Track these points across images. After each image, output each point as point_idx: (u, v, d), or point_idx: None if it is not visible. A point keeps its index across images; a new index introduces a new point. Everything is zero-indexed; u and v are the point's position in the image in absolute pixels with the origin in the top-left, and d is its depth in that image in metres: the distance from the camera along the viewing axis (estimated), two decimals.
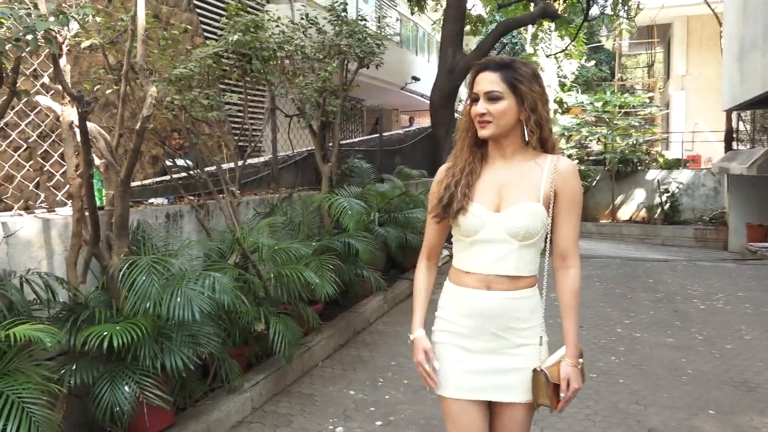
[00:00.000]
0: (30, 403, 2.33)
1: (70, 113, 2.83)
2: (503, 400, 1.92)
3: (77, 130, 2.79)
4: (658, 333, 5.65)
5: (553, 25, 17.13)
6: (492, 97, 1.83)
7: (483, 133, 1.87)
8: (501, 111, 1.83)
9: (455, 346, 1.96)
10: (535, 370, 1.90)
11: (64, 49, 3.05)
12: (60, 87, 2.74)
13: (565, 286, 1.98)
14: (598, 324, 5.97)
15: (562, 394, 1.89)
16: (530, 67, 1.89)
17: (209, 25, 8.56)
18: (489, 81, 1.83)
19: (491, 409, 1.98)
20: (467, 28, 15.27)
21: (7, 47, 2.18)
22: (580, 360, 1.97)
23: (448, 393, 1.97)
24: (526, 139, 1.88)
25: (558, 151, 1.95)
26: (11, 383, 2.36)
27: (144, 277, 2.96)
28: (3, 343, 2.31)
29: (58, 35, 2.72)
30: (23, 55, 3.36)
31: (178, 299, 2.92)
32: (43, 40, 2.22)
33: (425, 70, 16.94)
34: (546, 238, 1.91)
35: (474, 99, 1.88)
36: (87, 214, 3.01)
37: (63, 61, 3.03)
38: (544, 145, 1.91)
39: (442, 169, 1.99)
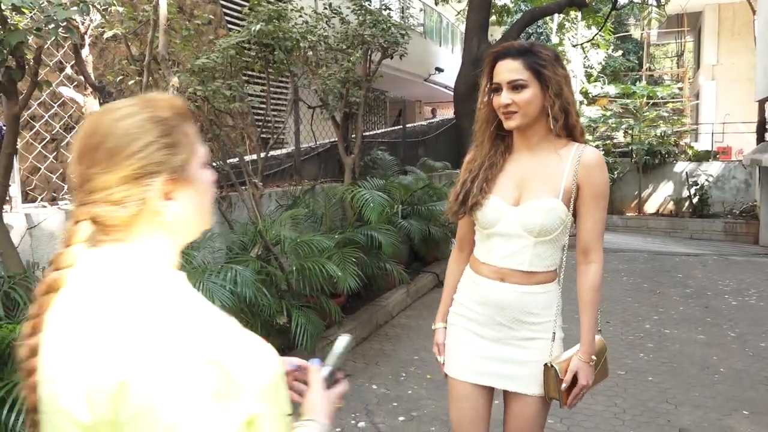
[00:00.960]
0: None
1: (92, 104, 2.80)
2: (510, 389, 1.89)
3: None
4: (689, 329, 5.51)
5: (579, 14, 16.81)
6: (516, 86, 1.74)
7: (510, 124, 1.78)
8: (527, 100, 1.74)
9: (467, 330, 1.95)
10: (545, 365, 1.86)
11: (87, 39, 3.03)
12: (82, 78, 2.71)
13: (585, 280, 1.90)
14: (626, 320, 5.83)
15: (563, 386, 1.83)
16: (550, 49, 1.81)
17: (232, 16, 8.54)
18: (511, 69, 1.74)
19: (504, 400, 1.96)
20: (492, 18, 15.08)
21: (30, 38, 2.15)
22: (594, 357, 1.91)
23: (454, 373, 1.97)
24: (551, 126, 1.79)
25: (584, 139, 1.86)
26: None
27: None
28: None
29: (80, 25, 2.69)
30: (46, 46, 3.35)
31: (200, 293, 2.88)
32: (63, 30, 2.19)
33: (449, 61, 16.77)
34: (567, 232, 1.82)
35: (495, 89, 1.79)
36: None
37: (85, 52, 3.01)
38: (572, 131, 1.82)
39: (463, 165, 1.95)
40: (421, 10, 15.99)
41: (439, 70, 15.59)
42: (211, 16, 6.31)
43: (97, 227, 0.88)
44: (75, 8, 2.20)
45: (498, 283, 1.86)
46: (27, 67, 2.29)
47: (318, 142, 6.30)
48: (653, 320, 5.81)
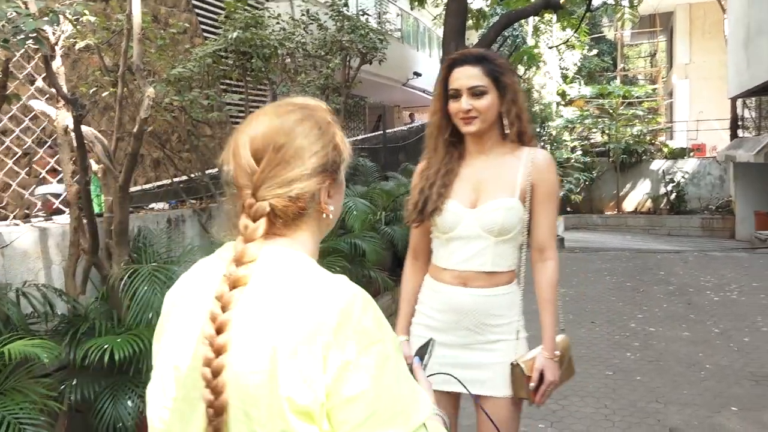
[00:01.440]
0: (27, 424, 2.22)
1: (64, 117, 2.71)
2: (480, 393, 1.89)
3: (73, 135, 2.67)
4: (673, 327, 5.54)
5: (554, 17, 16.95)
6: (477, 93, 1.79)
7: (469, 129, 1.82)
8: (487, 106, 1.79)
9: None
10: (511, 364, 1.87)
11: (58, 50, 2.94)
12: (54, 90, 2.63)
13: (543, 278, 1.93)
14: (611, 319, 5.85)
15: (531, 384, 1.85)
16: (504, 58, 1.92)
17: (208, 24, 8.43)
18: (471, 76, 1.79)
19: (475, 406, 1.96)
20: (469, 22, 15.12)
21: None
22: (558, 353, 1.92)
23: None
24: (506, 131, 1.86)
25: (535, 144, 1.91)
26: (7, 403, 2.26)
27: (146, 287, 2.84)
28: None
29: (50, 36, 2.60)
30: (17, 58, 3.25)
31: None
32: (33, 42, 2.11)
33: (427, 65, 16.79)
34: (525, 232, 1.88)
35: (453, 95, 1.82)
36: (85, 222, 2.90)
37: (57, 63, 2.92)
38: (522, 137, 1.88)
39: (416, 174, 1.97)
40: (398, 15, 16.00)
41: (417, 74, 15.61)
42: (187, 25, 6.22)
43: (268, 222, 0.93)
44: (45, 18, 2.12)
45: (460, 289, 1.86)
46: None
47: None
48: (638, 319, 5.83)
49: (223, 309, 0.89)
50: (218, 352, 0.87)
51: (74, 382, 2.79)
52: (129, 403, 2.80)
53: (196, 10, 8.75)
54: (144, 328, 2.82)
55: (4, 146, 3.42)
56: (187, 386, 0.93)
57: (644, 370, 4.51)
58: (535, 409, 3.89)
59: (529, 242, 1.91)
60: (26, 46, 2.09)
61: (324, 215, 1.00)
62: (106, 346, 2.69)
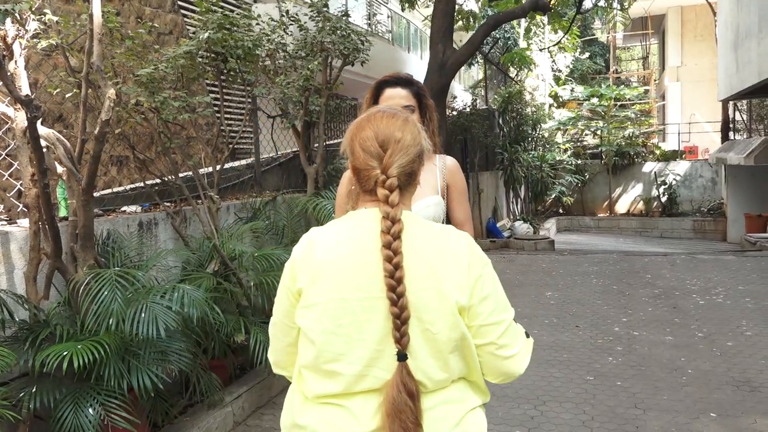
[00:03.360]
0: None
1: (23, 119, 2.65)
2: None
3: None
4: (657, 331, 5.49)
5: (546, 19, 16.93)
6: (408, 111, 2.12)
7: None
8: None
9: None
10: None
11: (20, 50, 2.88)
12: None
13: None
14: (596, 323, 5.80)
15: None
16: (421, 82, 2.29)
17: (194, 25, 8.36)
18: (403, 96, 2.16)
19: None
20: (459, 23, 15.08)
21: None
22: None
23: None
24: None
25: (440, 151, 2.34)
26: None
27: (107, 292, 2.78)
28: None
29: (7, 36, 2.54)
30: None
31: (143, 315, 2.74)
32: None
33: (418, 67, 16.73)
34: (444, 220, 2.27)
35: None
36: (47, 225, 2.83)
37: (21, 63, 2.86)
38: (434, 148, 2.20)
39: (344, 181, 2.17)
40: (388, 16, 15.95)
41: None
42: (155, 25, 6.16)
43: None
44: None
45: None
46: None
47: (279, 152, 6.17)
48: (622, 323, 5.78)
49: (395, 252, 1.27)
50: (398, 281, 1.26)
51: (33, 390, 2.72)
52: (90, 410, 2.74)
53: (182, 11, 8.69)
54: (105, 335, 2.76)
55: None
56: (356, 312, 1.30)
57: (626, 375, 4.46)
58: (511, 414, 3.86)
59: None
60: None
61: (417, 184, 1.42)
62: (65, 353, 2.62)
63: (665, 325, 5.64)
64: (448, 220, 2.31)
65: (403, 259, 1.28)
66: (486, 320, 1.34)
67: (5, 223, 3.24)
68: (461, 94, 18.58)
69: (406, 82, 2.18)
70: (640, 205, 17.81)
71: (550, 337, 5.37)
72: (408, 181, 1.37)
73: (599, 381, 4.36)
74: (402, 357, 1.27)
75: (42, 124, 4.45)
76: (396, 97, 2.14)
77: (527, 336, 1.49)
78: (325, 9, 5.38)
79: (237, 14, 4.41)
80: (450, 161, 2.28)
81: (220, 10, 3.97)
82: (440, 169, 2.25)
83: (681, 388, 4.18)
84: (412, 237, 1.32)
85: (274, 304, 1.46)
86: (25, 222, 3.22)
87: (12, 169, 3.19)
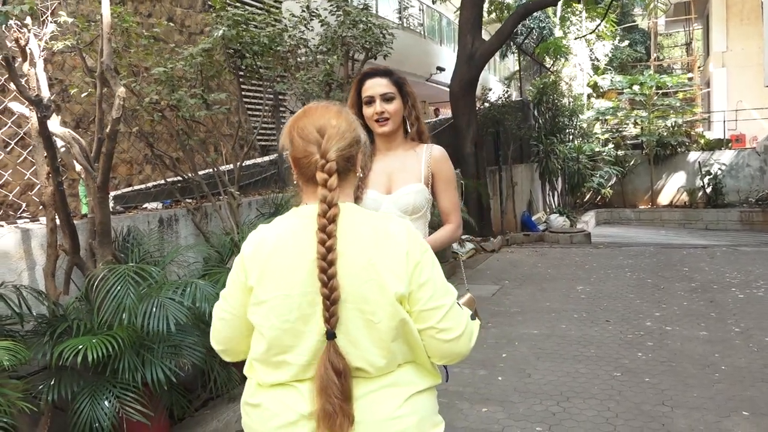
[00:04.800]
0: None
1: (34, 118, 2.71)
2: None
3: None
4: (691, 326, 5.30)
5: (581, 6, 16.55)
6: (387, 98, 2.23)
7: (384, 129, 2.25)
8: (395, 109, 2.25)
9: None
10: None
11: (37, 52, 2.95)
12: (33, 91, 2.62)
13: (439, 230, 2.38)
14: (627, 317, 5.64)
15: None
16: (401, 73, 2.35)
17: (210, 24, 8.46)
18: (381, 84, 2.24)
19: None
20: (492, 14, 14.86)
21: None
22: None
23: None
24: (408, 131, 2.32)
25: (429, 140, 2.37)
26: None
27: (120, 287, 2.83)
28: None
29: (20, 36, 2.60)
30: None
31: (154, 309, 2.78)
32: None
33: (451, 60, 16.57)
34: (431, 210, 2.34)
35: (368, 102, 2.25)
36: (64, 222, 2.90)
37: (39, 65, 2.93)
38: (421, 136, 2.34)
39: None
40: (420, 9, 15.84)
41: (440, 69, 15.42)
42: (172, 24, 6.24)
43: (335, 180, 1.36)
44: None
45: None
46: None
47: None
48: (655, 317, 5.61)
49: (328, 236, 1.30)
50: (330, 263, 1.29)
51: (52, 382, 2.79)
52: (106, 403, 2.79)
53: (213, 11, 8.78)
54: (119, 329, 2.81)
55: None
56: (301, 306, 1.34)
57: (655, 371, 4.32)
58: (533, 410, 3.78)
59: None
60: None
61: (357, 174, 1.46)
62: (80, 347, 2.68)
63: (700, 320, 5.45)
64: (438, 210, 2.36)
65: (340, 248, 1.32)
66: (425, 305, 1.37)
67: (27, 220, 3.33)
68: (496, 86, 18.33)
69: (384, 72, 2.27)
70: (684, 197, 17.24)
71: (578, 332, 5.25)
72: (346, 166, 1.40)
73: (626, 377, 4.23)
74: (331, 335, 1.32)
75: (78, 126, 4.60)
76: (375, 86, 2.22)
77: (474, 318, 1.53)
78: (344, 3, 5.35)
79: (258, 11, 4.42)
80: (437, 150, 2.32)
81: (237, 6, 3.98)
82: (425, 158, 2.29)
83: (712, 385, 4.02)
84: (350, 227, 1.35)
85: (222, 297, 1.48)
86: (45, 220, 3.31)
87: (34, 168, 3.28)
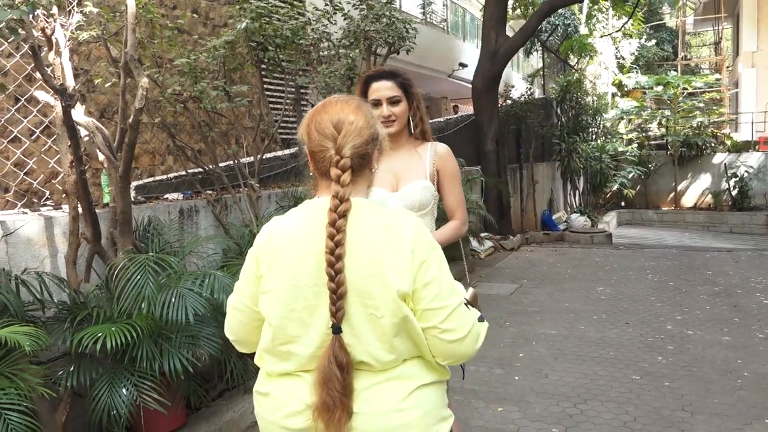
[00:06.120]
0: (9, 410, 2.25)
1: (59, 107, 2.73)
2: None
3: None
4: (713, 330, 5.21)
5: (608, 3, 16.31)
6: (394, 101, 2.28)
7: (390, 130, 2.27)
8: (402, 111, 2.29)
9: None
10: None
11: (63, 41, 2.97)
12: (57, 80, 2.64)
13: (445, 226, 2.41)
14: (647, 320, 5.56)
15: None
16: (406, 73, 2.38)
17: (233, 16, 8.48)
18: (388, 88, 2.27)
19: None
20: (517, 11, 14.73)
21: None
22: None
23: None
24: (412, 131, 2.37)
25: (432, 138, 2.43)
26: None
27: (140, 276, 2.85)
28: None
29: (46, 27, 2.62)
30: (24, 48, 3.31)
31: (173, 299, 2.80)
32: (9, 32, 2.12)
33: (474, 56, 16.44)
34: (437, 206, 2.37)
35: (374, 104, 2.27)
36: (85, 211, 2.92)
37: (65, 54, 2.95)
38: (424, 135, 2.40)
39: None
40: (444, 4, 15.73)
41: (463, 65, 15.32)
42: (194, 14, 6.27)
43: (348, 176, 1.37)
44: (24, 8, 2.12)
45: None
46: None
47: None
48: (676, 321, 5.52)
49: (337, 230, 1.32)
50: (338, 258, 1.31)
51: (71, 369, 2.82)
52: (124, 390, 2.82)
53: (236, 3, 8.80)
54: (137, 318, 2.83)
55: (12, 136, 3.51)
56: (307, 297, 1.36)
57: (675, 375, 4.25)
58: (549, 411, 3.74)
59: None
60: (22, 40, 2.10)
61: (372, 170, 1.47)
62: (99, 334, 2.71)
63: (723, 325, 5.35)
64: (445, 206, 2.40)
65: (348, 243, 1.33)
66: (429, 305, 1.37)
67: (51, 208, 3.37)
68: (519, 83, 18.17)
69: (390, 74, 2.30)
70: (708, 199, 16.94)
71: (597, 334, 5.19)
72: (361, 163, 1.41)
73: (646, 381, 4.17)
74: (336, 330, 1.33)
75: (102, 116, 4.64)
76: (382, 88, 2.26)
77: (482, 320, 1.50)
78: None
79: (281, 3, 4.41)
80: (441, 147, 2.38)
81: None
82: (430, 155, 2.36)
83: (734, 392, 3.95)
84: (358, 223, 1.36)
85: (236, 288, 1.51)
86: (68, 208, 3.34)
87: (58, 157, 3.31)
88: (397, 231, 1.36)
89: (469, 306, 1.46)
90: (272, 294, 1.39)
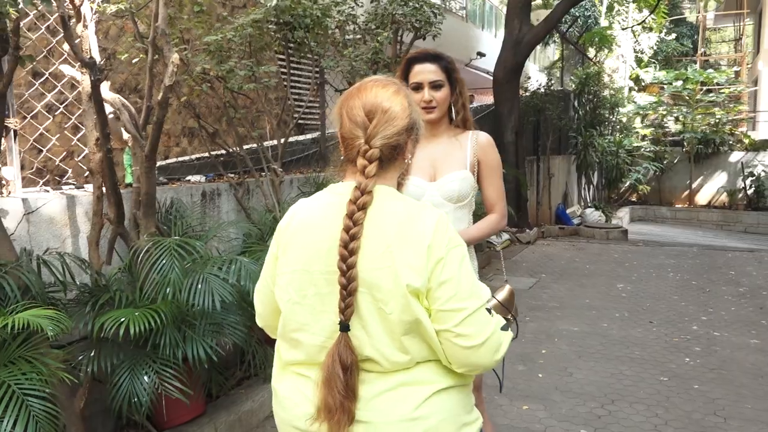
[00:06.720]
0: (30, 396, 2.16)
1: (87, 81, 2.62)
2: None
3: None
4: (741, 332, 5.08)
5: None
6: (436, 86, 2.18)
7: (430, 117, 2.20)
8: (444, 97, 2.20)
9: None
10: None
11: (90, 14, 2.86)
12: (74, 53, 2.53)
13: (483, 220, 2.32)
14: (672, 320, 5.43)
15: None
16: (450, 57, 2.27)
17: None
18: (431, 71, 2.17)
19: None
20: (538, 1, 14.47)
21: (6, 7, 1.97)
22: (498, 299, 1.97)
23: None
24: (453, 118, 2.27)
25: (474, 127, 2.31)
26: (14, 372, 2.20)
27: (165, 261, 2.75)
28: (5, 331, 2.14)
29: None
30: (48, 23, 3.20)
31: (200, 286, 2.69)
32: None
33: (492, 45, 16.24)
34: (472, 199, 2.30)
35: (415, 87, 2.18)
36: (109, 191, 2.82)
37: (91, 27, 2.84)
38: (466, 123, 2.29)
39: None
40: None
41: (480, 54, 15.10)
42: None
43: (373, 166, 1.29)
44: None
45: None
46: (7, 39, 2.11)
47: None
48: (701, 321, 5.39)
49: (354, 223, 1.25)
50: (351, 252, 1.24)
51: (92, 354, 2.73)
52: (145, 378, 2.73)
53: None
54: (162, 303, 2.73)
55: (34, 112, 3.40)
56: (318, 284, 1.30)
57: (704, 378, 4.13)
58: (576, 411, 3.63)
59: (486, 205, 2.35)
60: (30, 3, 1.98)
61: (406, 161, 1.39)
62: (122, 319, 2.61)
63: (750, 327, 5.22)
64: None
65: (364, 232, 1.26)
66: (443, 306, 1.27)
67: (73, 187, 3.27)
68: (536, 75, 17.93)
69: (434, 57, 2.20)
70: (723, 197, 16.73)
71: (621, 332, 5.07)
72: (392, 154, 1.33)
73: (674, 383, 4.06)
74: (344, 327, 1.26)
75: (119, 94, 4.53)
76: (424, 72, 2.16)
77: (505, 329, 1.38)
78: None
79: None
80: (483, 136, 2.28)
81: None
82: (471, 145, 2.25)
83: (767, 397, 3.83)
84: (378, 212, 1.29)
85: (262, 272, 1.48)
86: (91, 187, 3.24)
87: (81, 134, 3.21)
88: (415, 224, 1.28)
89: (492, 312, 1.35)
90: (285, 278, 1.35)
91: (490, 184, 2.31)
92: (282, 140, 4.29)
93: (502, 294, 1.98)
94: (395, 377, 1.29)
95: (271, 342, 3.86)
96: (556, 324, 5.29)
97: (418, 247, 1.26)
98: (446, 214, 1.99)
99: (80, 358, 2.72)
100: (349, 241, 1.25)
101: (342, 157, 1.39)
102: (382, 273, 1.25)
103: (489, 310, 1.34)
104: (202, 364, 2.78)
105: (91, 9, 2.89)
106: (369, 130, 1.29)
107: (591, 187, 15.57)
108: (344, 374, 1.24)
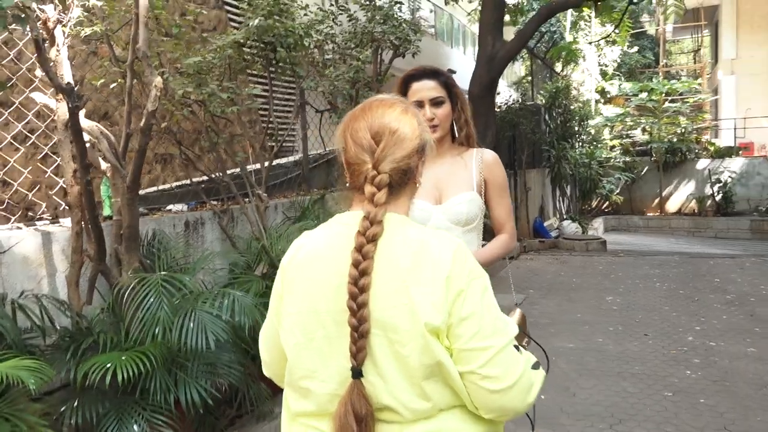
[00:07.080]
0: None
1: (65, 111, 2.43)
2: None
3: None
4: (736, 341, 5.04)
5: (593, 12, 16.33)
6: (437, 102, 2.05)
7: (434, 136, 2.01)
8: (446, 113, 2.08)
9: None
10: None
11: (63, 37, 2.67)
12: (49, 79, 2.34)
13: (495, 239, 2.19)
14: (666, 331, 5.37)
15: None
16: (448, 73, 2.18)
17: (238, 22, 8.19)
18: (431, 88, 2.05)
19: None
20: (506, 18, 14.61)
21: None
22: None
23: None
24: (456, 136, 2.14)
25: (478, 145, 2.19)
26: None
27: (152, 299, 2.55)
28: None
29: (48, 19, 2.33)
30: (20, 46, 3.00)
31: (191, 324, 2.50)
32: (14, 20, 1.83)
33: (461, 62, 16.37)
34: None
35: (415, 106, 2.04)
36: (89, 225, 2.62)
37: (63, 51, 2.65)
38: (469, 140, 2.16)
39: None
40: (431, 11, 15.60)
41: (451, 71, 15.16)
42: (204, 12, 5.97)
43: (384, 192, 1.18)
44: None
45: None
46: None
47: (328, 149, 5.92)
48: (696, 331, 5.34)
49: (364, 257, 1.12)
50: (362, 289, 1.11)
51: (75, 404, 2.51)
52: (135, 427, 2.51)
53: (226, 7, 8.52)
54: (150, 345, 2.53)
55: (4, 143, 3.18)
56: (327, 326, 1.17)
57: (708, 391, 4.05)
58: None
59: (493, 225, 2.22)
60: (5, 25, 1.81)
61: (417, 184, 1.28)
62: (108, 365, 2.40)
63: (744, 335, 5.19)
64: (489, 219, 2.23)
65: (375, 267, 1.13)
66: (466, 344, 1.14)
67: (48, 222, 3.05)
68: (504, 90, 18.10)
69: (432, 72, 2.09)
70: (693, 204, 17.02)
71: (618, 347, 4.98)
72: (402, 179, 1.22)
73: (679, 398, 3.97)
74: (356, 374, 1.13)
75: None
76: (424, 89, 2.05)
77: (536, 367, 1.23)
78: None
79: (284, 1, 4.14)
80: (488, 154, 2.16)
81: None
82: (477, 164, 2.13)
83: None
84: (390, 243, 1.16)
85: (267, 315, 1.34)
86: (67, 221, 3.02)
87: (55, 165, 3.00)
88: (431, 254, 1.15)
89: (521, 348, 1.21)
90: (290, 319, 1.21)
91: (498, 204, 2.19)
92: (266, 164, 4.12)
93: (514, 320, 1.86)
94: (416, 427, 1.15)
95: (266, 378, 3.65)
96: (550, 341, 5.18)
97: (435, 280, 1.13)
98: None
99: (62, 409, 2.49)
100: (359, 277, 1.12)
101: (347, 184, 1.27)
102: (398, 311, 1.12)
103: (517, 347, 1.20)
104: (196, 407, 2.58)
105: (63, 33, 2.71)
106: (377, 154, 1.19)
107: (565, 198, 15.69)
108: (358, 426, 1.11)
